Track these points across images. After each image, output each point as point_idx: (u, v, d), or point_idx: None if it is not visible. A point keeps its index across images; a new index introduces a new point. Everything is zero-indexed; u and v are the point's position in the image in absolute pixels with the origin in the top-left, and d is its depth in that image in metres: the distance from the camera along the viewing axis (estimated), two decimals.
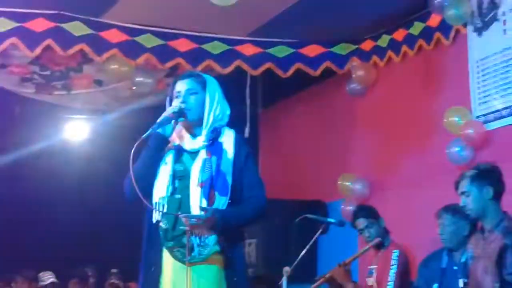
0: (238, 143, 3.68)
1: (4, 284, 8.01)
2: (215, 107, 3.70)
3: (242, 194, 3.61)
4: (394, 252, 5.47)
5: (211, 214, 3.44)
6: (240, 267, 3.58)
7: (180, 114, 3.63)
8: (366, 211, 5.77)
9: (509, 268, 4.00)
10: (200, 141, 3.66)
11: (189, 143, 3.69)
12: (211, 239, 3.51)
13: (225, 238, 3.52)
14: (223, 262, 3.52)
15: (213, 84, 3.76)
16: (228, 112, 3.76)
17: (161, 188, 3.61)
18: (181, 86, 3.72)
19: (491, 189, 4.15)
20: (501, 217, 4.15)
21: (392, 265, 5.42)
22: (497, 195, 4.17)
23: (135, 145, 3.49)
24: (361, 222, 5.68)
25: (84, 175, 8.58)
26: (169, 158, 3.66)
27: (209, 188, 3.54)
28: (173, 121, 3.63)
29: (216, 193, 3.54)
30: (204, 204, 3.50)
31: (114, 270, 8.69)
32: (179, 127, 3.71)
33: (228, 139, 3.68)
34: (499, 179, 4.21)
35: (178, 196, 3.58)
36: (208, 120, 3.68)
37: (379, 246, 5.64)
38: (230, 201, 3.55)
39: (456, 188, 4.28)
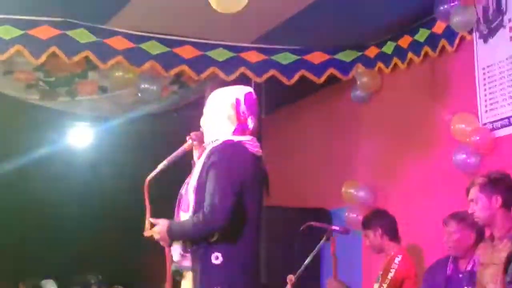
0: (209, 154, 3.61)
1: None
2: (206, 123, 3.78)
3: None
4: (397, 257, 5.50)
5: (158, 227, 3.58)
6: (204, 281, 3.46)
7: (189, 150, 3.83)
8: (365, 221, 5.87)
9: (510, 276, 3.99)
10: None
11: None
12: (175, 254, 3.61)
13: (192, 253, 3.54)
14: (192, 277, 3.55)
15: (209, 99, 3.81)
16: (220, 123, 3.69)
17: None
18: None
19: (500, 198, 4.13)
20: (511, 225, 4.14)
21: (392, 269, 5.44)
22: (507, 204, 4.15)
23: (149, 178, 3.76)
24: (363, 232, 5.80)
25: (88, 181, 8.58)
26: None
27: (178, 207, 3.67)
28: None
29: (181, 212, 3.63)
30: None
31: (99, 277, 8.63)
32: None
33: (205, 152, 3.67)
34: (509, 188, 4.18)
35: None
36: (205, 138, 3.77)
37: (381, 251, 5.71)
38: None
39: (467, 194, 4.26)
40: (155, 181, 3.76)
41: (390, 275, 5.44)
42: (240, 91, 3.76)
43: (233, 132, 3.66)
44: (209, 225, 3.45)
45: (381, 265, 5.68)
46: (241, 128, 3.68)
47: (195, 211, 3.52)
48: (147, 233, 3.64)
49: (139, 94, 6.92)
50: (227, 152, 3.58)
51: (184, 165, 3.86)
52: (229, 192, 3.48)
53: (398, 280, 5.42)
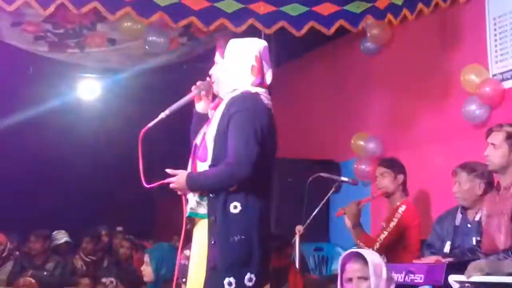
0: (228, 104, 3.58)
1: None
2: (224, 73, 3.70)
3: None
4: (401, 207, 5.50)
5: (177, 177, 3.56)
6: (221, 229, 3.46)
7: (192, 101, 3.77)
8: (388, 161, 5.78)
9: None
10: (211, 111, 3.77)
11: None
12: (191, 201, 3.59)
13: (209, 201, 3.53)
14: (207, 224, 3.54)
15: (229, 49, 3.72)
16: (241, 74, 3.64)
17: None
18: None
19: None
20: None
21: (395, 218, 5.46)
22: None
23: (145, 129, 3.66)
24: (378, 170, 5.71)
25: (96, 134, 8.61)
26: None
27: (194, 156, 3.65)
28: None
29: (197, 161, 3.62)
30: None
31: (119, 229, 8.69)
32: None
33: (224, 102, 3.64)
34: None
35: None
36: (220, 88, 3.73)
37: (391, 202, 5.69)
38: (212, 165, 3.53)
39: (487, 135, 4.26)
40: (155, 132, 3.71)
41: (392, 223, 5.46)
42: (260, 44, 3.74)
43: (252, 83, 3.64)
44: (235, 174, 3.45)
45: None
46: (260, 81, 3.66)
47: (215, 160, 3.52)
48: (148, 184, 3.61)
49: (147, 47, 6.89)
50: (248, 102, 3.56)
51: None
52: (253, 142, 3.47)
53: (400, 228, 5.44)
